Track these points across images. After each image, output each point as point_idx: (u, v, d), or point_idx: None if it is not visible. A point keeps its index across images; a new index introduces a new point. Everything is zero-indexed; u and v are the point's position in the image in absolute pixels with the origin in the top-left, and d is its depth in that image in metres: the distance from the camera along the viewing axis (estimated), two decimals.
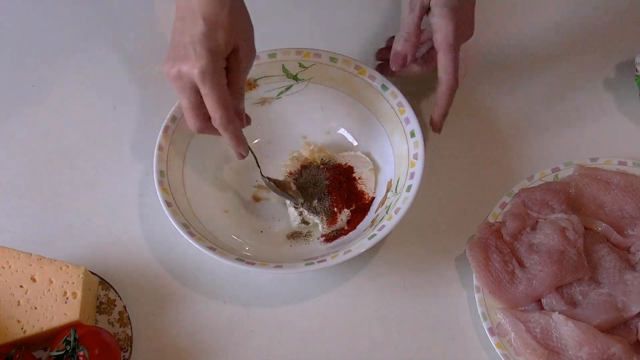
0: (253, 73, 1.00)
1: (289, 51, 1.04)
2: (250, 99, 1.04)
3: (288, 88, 1.05)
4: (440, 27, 0.95)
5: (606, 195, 1.00)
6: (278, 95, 1.05)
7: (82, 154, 1.07)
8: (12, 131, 1.09)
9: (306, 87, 1.05)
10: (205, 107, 0.87)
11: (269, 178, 1.00)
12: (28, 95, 1.12)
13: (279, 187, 1.00)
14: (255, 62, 0.93)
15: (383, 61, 1.05)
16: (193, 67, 0.83)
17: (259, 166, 0.99)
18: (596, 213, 1.00)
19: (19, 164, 1.06)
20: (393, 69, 0.99)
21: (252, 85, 1.04)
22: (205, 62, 0.83)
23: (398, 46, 0.98)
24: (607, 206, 1.00)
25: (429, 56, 1.01)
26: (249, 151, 0.94)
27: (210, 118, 0.87)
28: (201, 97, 0.86)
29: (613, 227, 0.98)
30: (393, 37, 1.05)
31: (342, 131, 1.06)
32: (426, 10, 0.96)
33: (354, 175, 1.02)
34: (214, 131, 0.89)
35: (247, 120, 0.94)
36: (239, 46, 0.86)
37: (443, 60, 0.95)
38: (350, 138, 1.06)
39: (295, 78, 1.05)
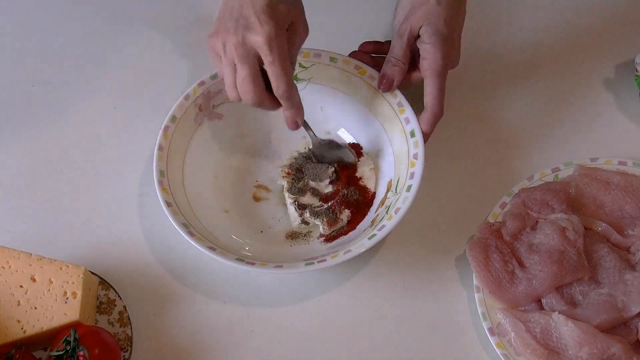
0: None
1: None
2: None
3: None
4: (429, 54, 0.95)
5: (606, 195, 1.00)
6: None
7: (82, 154, 1.07)
8: (12, 131, 1.09)
9: (306, 87, 1.04)
10: (261, 78, 0.88)
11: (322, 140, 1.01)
12: (28, 95, 1.12)
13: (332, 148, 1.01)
14: None
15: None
16: (259, 35, 0.85)
17: (312, 131, 0.99)
18: (596, 213, 1.00)
19: (19, 164, 1.06)
20: (381, 90, 1.00)
21: None
22: (272, 30, 0.85)
23: (387, 70, 0.99)
24: (607, 206, 1.00)
25: (411, 72, 1.01)
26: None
27: (264, 89, 0.89)
28: (260, 67, 0.87)
29: (613, 227, 0.98)
30: (366, 42, 1.06)
31: (342, 131, 1.06)
32: (415, 37, 0.97)
33: (356, 174, 1.02)
34: (270, 103, 0.90)
35: None
36: (295, 21, 0.88)
37: (430, 88, 0.96)
38: (350, 138, 1.06)
39: (295, 78, 1.04)
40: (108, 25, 1.18)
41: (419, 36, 0.97)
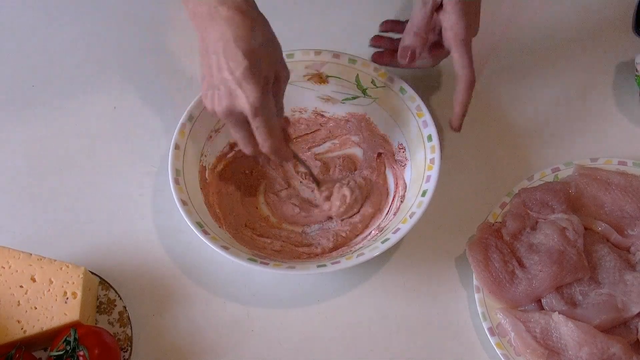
0: (328, 70, 1.02)
1: (367, 64, 1.03)
2: (317, 91, 1.05)
3: (354, 98, 1.05)
4: (453, 23, 0.95)
5: (606, 195, 1.00)
6: (343, 100, 1.05)
7: (82, 154, 1.07)
8: (12, 131, 1.09)
9: (370, 105, 1.04)
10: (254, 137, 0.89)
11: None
12: (28, 95, 1.12)
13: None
14: (334, 60, 1.00)
15: (380, 48, 1.04)
16: (243, 103, 0.84)
17: (312, 175, 1.03)
18: (596, 213, 1.00)
19: (19, 164, 1.06)
20: (402, 63, 0.99)
21: (323, 80, 1.04)
22: (256, 96, 0.84)
23: (407, 40, 0.98)
24: (607, 206, 1.00)
25: (434, 51, 1.00)
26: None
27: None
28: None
29: (613, 227, 0.98)
30: (387, 21, 1.05)
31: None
32: (438, 6, 0.96)
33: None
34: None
35: (287, 124, 0.97)
36: (278, 70, 0.87)
37: (458, 57, 0.95)
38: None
39: (364, 92, 1.04)
40: (108, 25, 1.18)
41: (440, 7, 0.95)
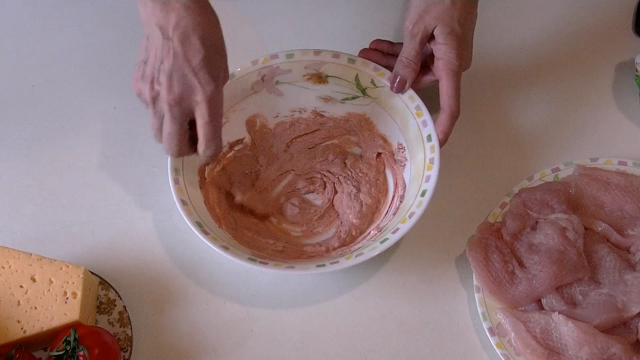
0: (328, 69, 1.02)
1: (367, 63, 1.02)
2: (316, 91, 1.04)
3: (354, 98, 1.04)
4: (445, 54, 0.95)
5: (606, 195, 1.00)
6: (342, 100, 1.05)
7: (82, 154, 1.07)
8: (12, 131, 1.09)
9: (369, 104, 1.04)
10: (187, 134, 0.86)
11: None
12: (28, 95, 1.12)
13: None
14: (334, 60, 1.01)
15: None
16: (199, 96, 0.81)
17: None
18: (596, 213, 1.00)
19: (19, 164, 1.06)
20: (393, 91, 1.00)
21: (322, 80, 1.04)
22: (213, 90, 0.81)
23: (399, 70, 0.99)
24: (607, 206, 1.00)
25: (420, 76, 1.00)
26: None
27: (188, 144, 0.88)
28: (189, 123, 0.85)
29: (613, 227, 0.98)
30: (376, 41, 1.05)
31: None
32: (429, 37, 0.96)
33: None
34: (190, 153, 0.89)
35: None
36: (223, 70, 0.86)
37: (446, 88, 0.95)
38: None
39: (363, 92, 1.04)
40: (108, 25, 1.18)
41: (432, 37, 0.96)
